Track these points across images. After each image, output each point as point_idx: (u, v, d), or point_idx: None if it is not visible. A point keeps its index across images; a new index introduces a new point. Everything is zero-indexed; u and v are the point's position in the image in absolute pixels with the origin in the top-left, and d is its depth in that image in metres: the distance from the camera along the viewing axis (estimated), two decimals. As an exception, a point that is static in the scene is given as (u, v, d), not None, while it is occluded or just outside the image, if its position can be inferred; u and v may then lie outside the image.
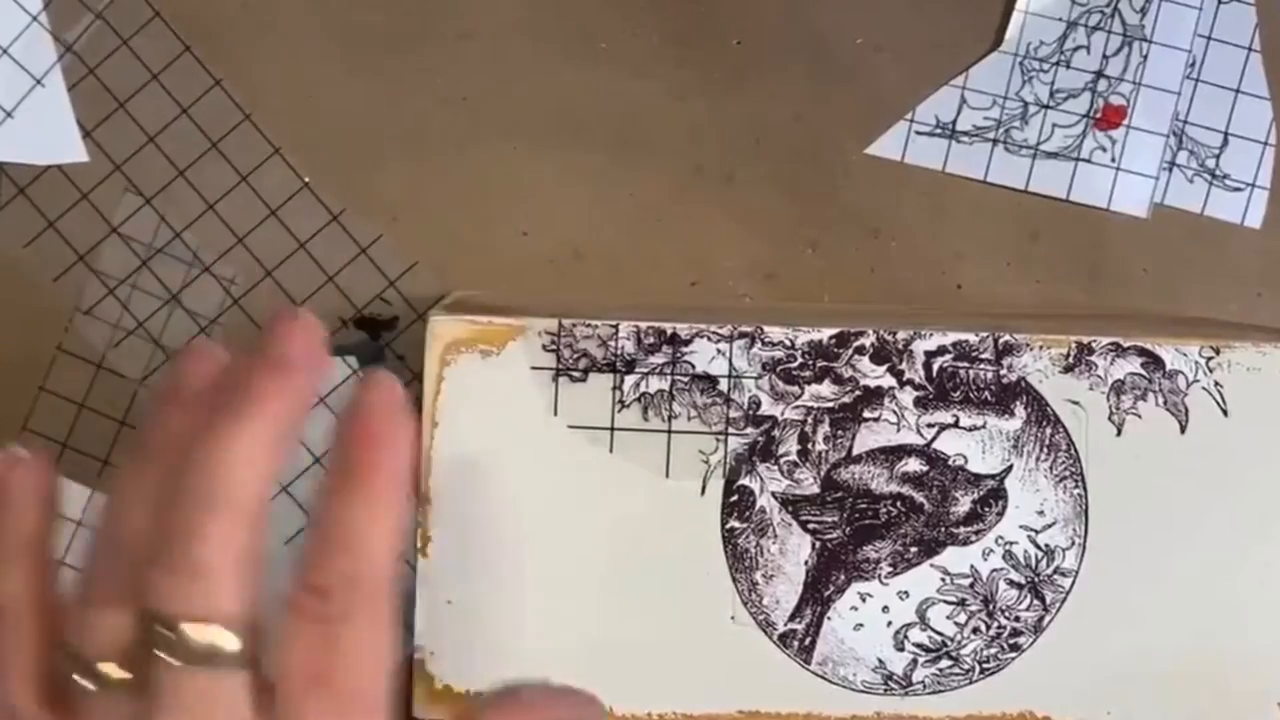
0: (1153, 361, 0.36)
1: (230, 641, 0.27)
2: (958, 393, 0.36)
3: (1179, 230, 0.45)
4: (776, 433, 0.36)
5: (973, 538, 0.36)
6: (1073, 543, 0.36)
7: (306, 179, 0.44)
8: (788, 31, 0.44)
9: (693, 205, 0.44)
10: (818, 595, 0.35)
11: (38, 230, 0.44)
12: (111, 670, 0.27)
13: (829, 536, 0.36)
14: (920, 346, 0.36)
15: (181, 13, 0.44)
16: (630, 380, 0.36)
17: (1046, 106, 0.44)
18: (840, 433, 0.36)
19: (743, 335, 0.36)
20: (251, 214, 0.44)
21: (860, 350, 0.36)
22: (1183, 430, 0.36)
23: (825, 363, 0.36)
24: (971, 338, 0.36)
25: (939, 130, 0.44)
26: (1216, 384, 0.36)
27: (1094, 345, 0.36)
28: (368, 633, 0.28)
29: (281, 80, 0.44)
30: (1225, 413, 0.36)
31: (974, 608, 0.36)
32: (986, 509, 0.36)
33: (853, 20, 0.44)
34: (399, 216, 0.44)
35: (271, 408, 0.28)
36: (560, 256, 0.44)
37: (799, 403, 0.36)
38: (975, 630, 0.36)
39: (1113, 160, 0.44)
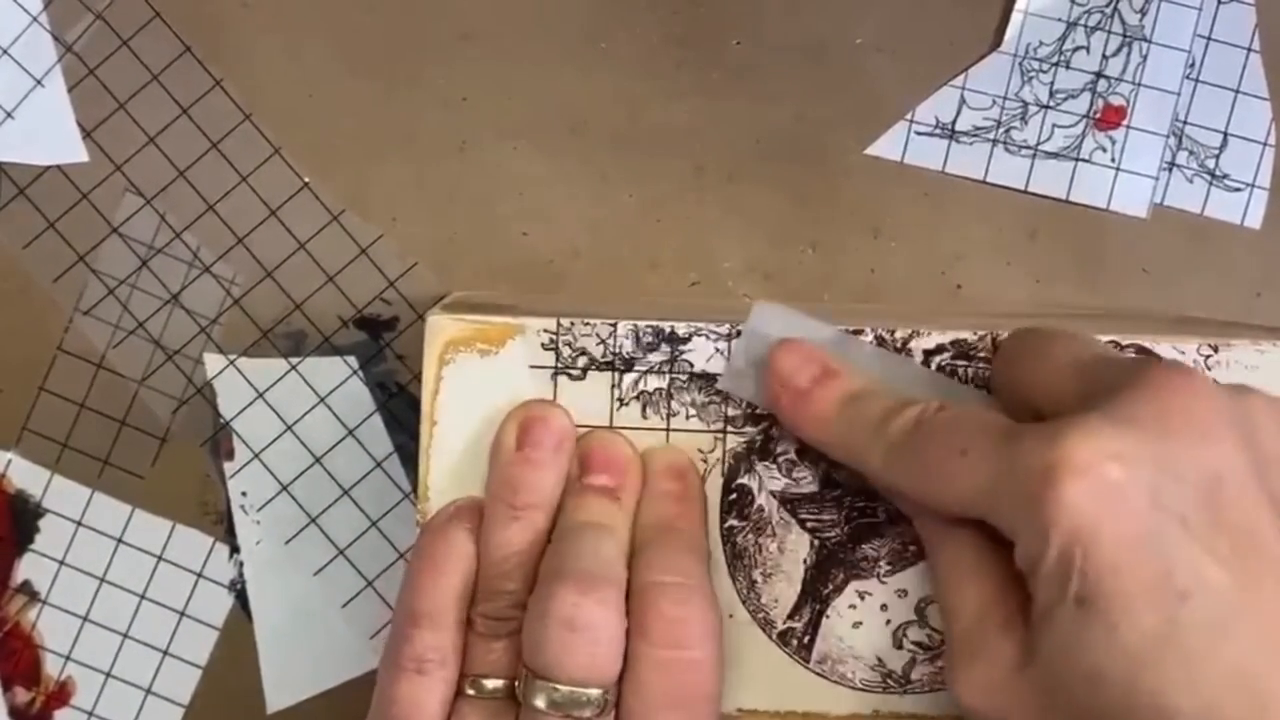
0: (1151, 360, 0.36)
1: (595, 696, 0.31)
2: (956, 391, 0.36)
3: (1179, 230, 0.45)
4: (775, 431, 0.36)
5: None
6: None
7: (306, 179, 0.44)
8: (788, 31, 0.44)
9: (693, 205, 0.44)
10: (816, 593, 0.35)
11: (38, 230, 0.44)
12: (491, 684, 0.33)
13: (827, 535, 0.35)
14: (919, 345, 0.36)
15: (181, 13, 0.44)
16: (629, 379, 0.36)
17: (1046, 107, 0.44)
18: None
19: (741, 333, 0.36)
20: (251, 214, 0.44)
21: (859, 349, 0.36)
22: (1182, 429, 0.36)
23: (824, 361, 0.36)
24: (970, 336, 0.35)
25: (939, 130, 0.44)
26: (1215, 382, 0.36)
27: (1093, 344, 0.36)
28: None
29: (281, 80, 0.44)
30: (1224, 411, 0.36)
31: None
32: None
33: (853, 20, 0.44)
34: (399, 216, 0.44)
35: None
36: (560, 256, 0.44)
37: (798, 401, 0.36)
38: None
39: (1112, 160, 0.44)
